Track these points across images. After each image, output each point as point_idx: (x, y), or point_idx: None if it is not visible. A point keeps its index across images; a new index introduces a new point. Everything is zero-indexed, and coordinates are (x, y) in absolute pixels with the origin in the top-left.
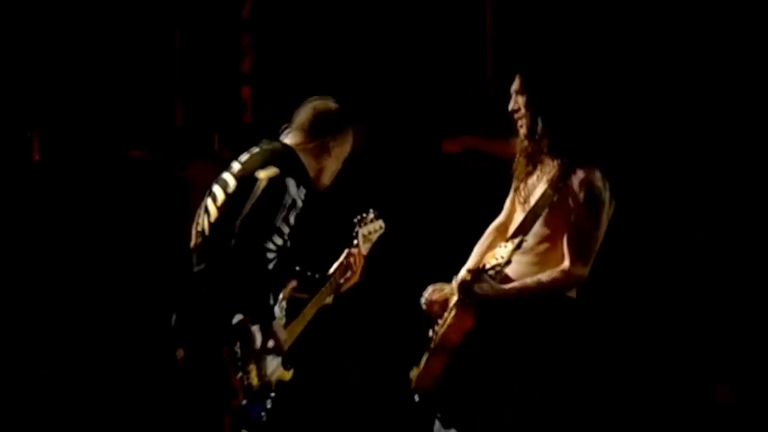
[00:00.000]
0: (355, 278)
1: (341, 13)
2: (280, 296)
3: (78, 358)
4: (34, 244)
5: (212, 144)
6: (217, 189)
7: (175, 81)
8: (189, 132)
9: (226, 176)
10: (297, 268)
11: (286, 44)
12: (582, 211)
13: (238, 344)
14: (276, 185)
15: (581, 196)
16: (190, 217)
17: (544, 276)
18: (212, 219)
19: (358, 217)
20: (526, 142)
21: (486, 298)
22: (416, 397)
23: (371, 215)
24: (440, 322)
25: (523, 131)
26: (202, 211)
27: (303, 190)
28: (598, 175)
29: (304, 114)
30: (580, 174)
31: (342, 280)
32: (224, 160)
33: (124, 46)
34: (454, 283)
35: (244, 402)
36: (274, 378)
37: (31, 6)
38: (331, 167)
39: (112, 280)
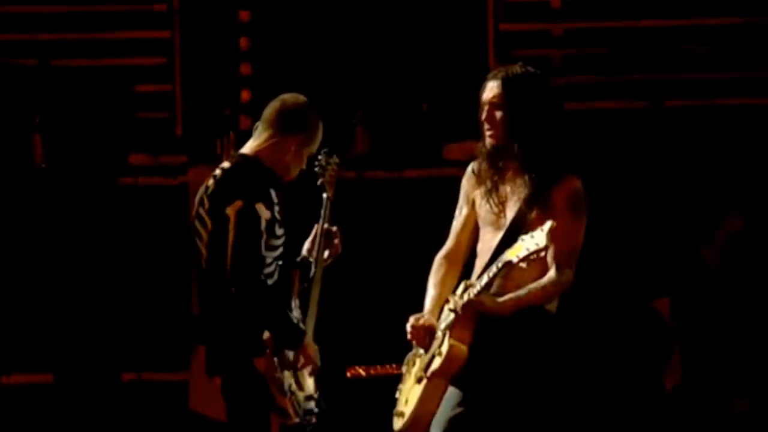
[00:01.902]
0: (338, 249)
1: (341, 16)
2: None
3: (78, 362)
4: (35, 247)
5: (213, 148)
6: (199, 227)
7: (175, 85)
8: (189, 136)
9: (202, 213)
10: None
11: (285, 48)
12: (566, 219)
13: (281, 372)
14: (245, 216)
15: (565, 205)
16: (188, 219)
17: (534, 286)
18: (204, 258)
19: (317, 164)
20: (492, 153)
21: (489, 313)
22: None
23: (323, 157)
24: (423, 353)
25: (493, 142)
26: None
27: (275, 199)
28: (578, 183)
29: (271, 109)
30: (562, 185)
31: (326, 255)
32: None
33: (125, 50)
34: (453, 304)
35: (298, 420)
36: (310, 384)
37: (31, 8)
38: (293, 165)
39: (114, 284)
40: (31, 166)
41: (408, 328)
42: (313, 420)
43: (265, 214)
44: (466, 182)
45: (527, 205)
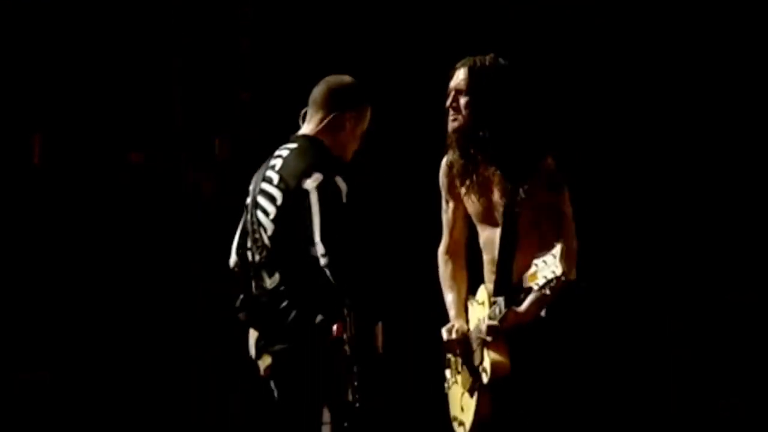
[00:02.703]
0: None
1: (341, 16)
2: None
3: (76, 363)
4: (33, 247)
5: (212, 147)
6: (264, 202)
7: (175, 84)
8: (188, 135)
9: (268, 188)
10: None
11: (286, 48)
12: (550, 199)
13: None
14: (327, 188)
15: (545, 188)
16: (188, 219)
17: None
18: (270, 233)
19: None
20: (457, 139)
21: (513, 326)
22: None
23: None
24: (463, 363)
25: (455, 126)
26: (248, 225)
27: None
28: (550, 162)
29: (318, 91)
30: (536, 170)
31: None
32: (224, 162)
33: (124, 50)
34: (476, 331)
35: (354, 403)
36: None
37: (31, 8)
38: (349, 144)
39: (112, 283)
40: (29, 165)
41: (443, 341)
42: (357, 405)
43: (342, 186)
44: (444, 176)
45: (509, 197)
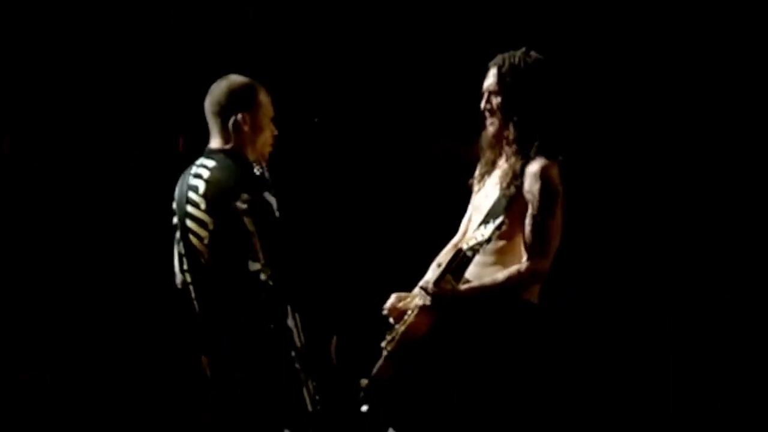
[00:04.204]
0: None
1: (341, 15)
2: None
3: (76, 363)
4: (33, 247)
5: (176, 145)
6: (194, 226)
7: (175, 83)
8: (186, 134)
9: (196, 213)
10: None
11: (286, 48)
12: (537, 201)
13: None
14: (258, 207)
15: (537, 186)
16: (154, 218)
17: (501, 275)
18: (206, 256)
19: None
20: (493, 142)
21: (446, 298)
22: (364, 407)
23: None
24: (397, 327)
25: (492, 130)
26: (182, 248)
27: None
28: (554, 167)
29: (207, 105)
30: (535, 165)
31: None
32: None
33: (123, 50)
34: (418, 288)
35: (312, 410)
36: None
37: (29, 7)
38: (260, 138)
39: (113, 283)
40: (29, 165)
41: (387, 304)
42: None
43: (272, 200)
44: (475, 176)
45: (510, 183)
